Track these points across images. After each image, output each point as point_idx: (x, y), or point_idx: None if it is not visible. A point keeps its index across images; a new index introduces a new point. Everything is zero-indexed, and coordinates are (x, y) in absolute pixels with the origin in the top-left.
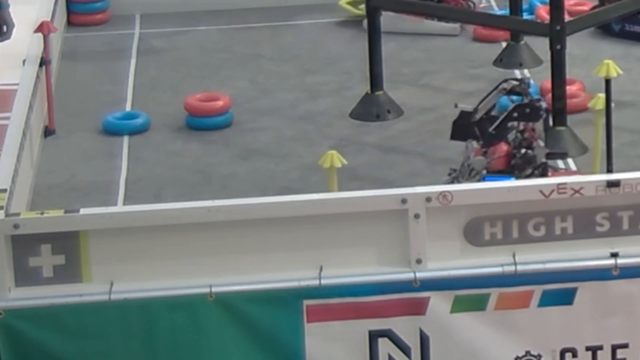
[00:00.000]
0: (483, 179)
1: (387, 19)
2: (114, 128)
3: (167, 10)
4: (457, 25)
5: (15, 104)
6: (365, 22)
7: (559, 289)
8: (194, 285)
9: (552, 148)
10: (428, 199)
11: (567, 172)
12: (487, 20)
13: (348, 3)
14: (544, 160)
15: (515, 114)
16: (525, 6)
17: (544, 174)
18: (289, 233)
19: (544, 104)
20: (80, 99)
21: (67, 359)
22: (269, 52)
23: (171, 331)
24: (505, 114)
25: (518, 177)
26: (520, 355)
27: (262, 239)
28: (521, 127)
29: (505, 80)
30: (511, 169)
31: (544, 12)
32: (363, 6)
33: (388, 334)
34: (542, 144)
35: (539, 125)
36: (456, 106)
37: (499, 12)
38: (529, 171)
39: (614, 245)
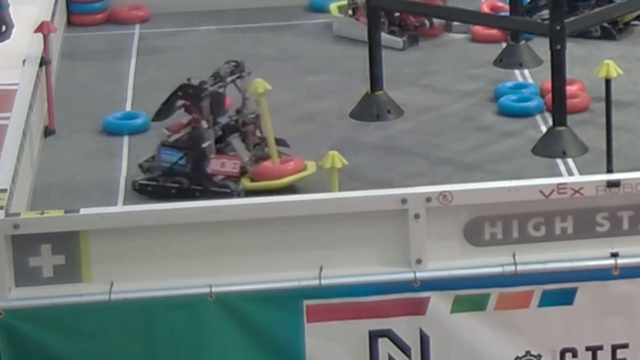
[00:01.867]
0: (158, 152)
1: (341, 23)
2: (114, 128)
3: (167, 11)
4: (400, 40)
5: (15, 104)
6: (334, 26)
7: (559, 289)
8: (194, 285)
9: (552, 148)
10: (428, 199)
11: (286, 158)
12: (487, 20)
13: (339, 7)
14: (208, 142)
15: (180, 93)
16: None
17: (201, 158)
18: (289, 233)
19: (210, 88)
20: (80, 99)
21: (67, 359)
22: (269, 52)
23: (171, 331)
24: (172, 92)
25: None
26: (520, 355)
27: (262, 239)
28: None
29: (227, 62)
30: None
31: (486, 7)
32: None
33: (388, 334)
34: (205, 125)
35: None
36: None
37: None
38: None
39: (614, 245)
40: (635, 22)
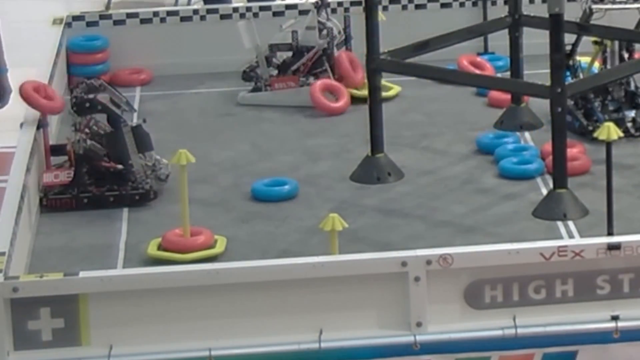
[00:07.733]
0: None
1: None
2: None
3: (169, 73)
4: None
5: (12, 167)
6: (240, 97)
7: (560, 352)
8: (193, 348)
9: (552, 210)
10: (428, 262)
11: (197, 230)
12: (486, 82)
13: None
14: None
15: None
16: None
17: None
18: (289, 296)
19: None
20: None
21: None
22: (270, 115)
23: None
24: None
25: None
26: None
27: (262, 302)
28: None
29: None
30: None
31: (465, 62)
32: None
33: None
34: None
35: None
36: None
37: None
38: None
39: (614, 308)
40: None
